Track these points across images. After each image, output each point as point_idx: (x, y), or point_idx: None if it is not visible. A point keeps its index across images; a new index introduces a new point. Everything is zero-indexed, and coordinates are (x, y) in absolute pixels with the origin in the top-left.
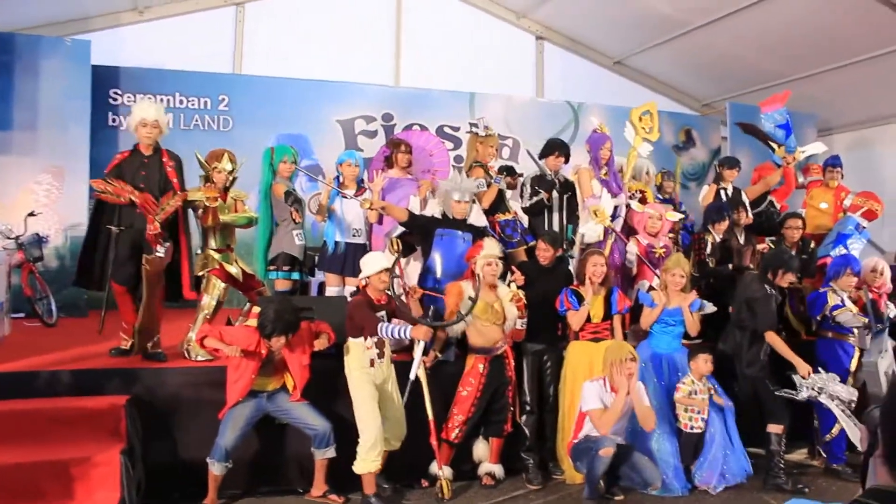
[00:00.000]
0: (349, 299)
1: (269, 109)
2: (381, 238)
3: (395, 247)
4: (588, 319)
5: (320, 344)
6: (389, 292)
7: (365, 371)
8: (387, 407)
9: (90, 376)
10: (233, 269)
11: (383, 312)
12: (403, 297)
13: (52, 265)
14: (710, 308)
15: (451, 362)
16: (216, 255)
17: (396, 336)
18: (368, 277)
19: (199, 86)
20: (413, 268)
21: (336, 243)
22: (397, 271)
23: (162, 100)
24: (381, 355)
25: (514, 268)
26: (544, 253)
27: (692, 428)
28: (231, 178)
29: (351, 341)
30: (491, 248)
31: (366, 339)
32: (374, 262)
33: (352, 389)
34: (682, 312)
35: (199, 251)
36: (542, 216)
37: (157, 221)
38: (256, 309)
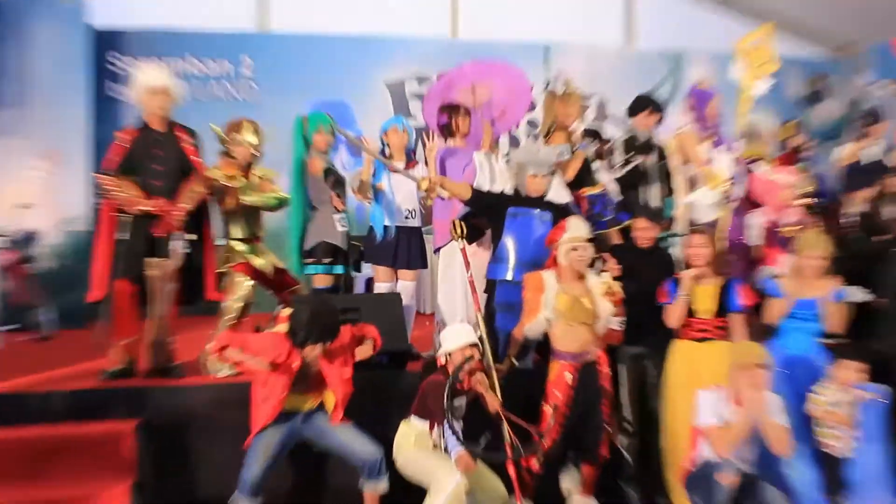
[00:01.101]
0: (399, 302)
1: (302, 73)
2: (444, 220)
3: (459, 230)
4: (692, 314)
5: (363, 352)
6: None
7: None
8: (474, 479)
9: (93, 397)
10: (260, 263)
11: (463, 400)
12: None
13: (48, 266)
14: (859, 296)
15: (530, 371)
16: (240, 247)
17: (449, 447)
18: (450, 354)
19: (218, 47)
20: (481, 258)
21: (385, 228)
22: (466, 278)
23: (173, 65)
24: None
25: (605, 254)
26: (643, 233)
27: (836, 450)
28: (255, 152)
29: (413, 419)
30: (577, 228)
31: (431, 429)
32: (456, 335)
33: (405, 464)
34: (821, 304)
35: (219, 243)
36: (638, 188)
37: (181, 213)
38: (287, 311)
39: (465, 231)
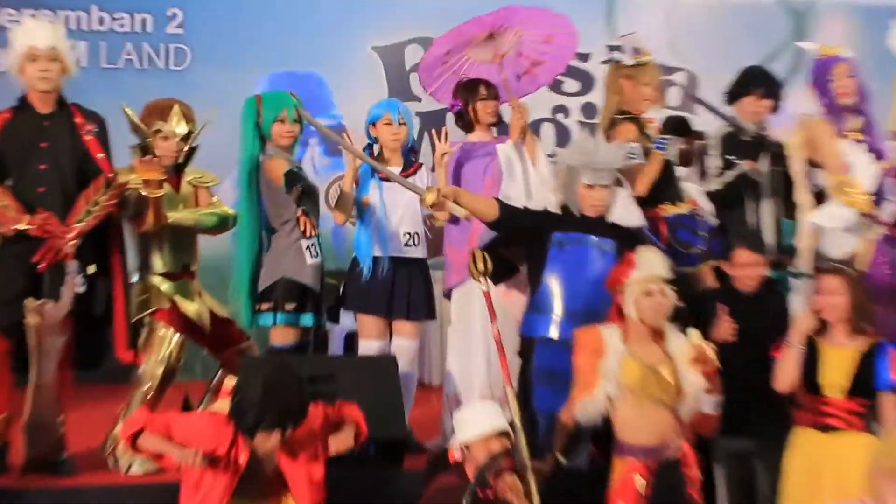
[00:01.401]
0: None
1: (255, 32)
2: (460, 250)
3: (480, 265)
4: (815, 389)
5: (341, 442)
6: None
7: None
8: None
9: None
10: (192, 309)
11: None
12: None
13: None
14: None
15: (584, 472)
16: (164, 285)
17: None
18: (468, 447)
19: None
20: (514, 304)
21: (375, 261)
22: (488, 323)
23: (69, 19)
24: None
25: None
26: (747, 270)
27: None
28: (186, 147)
29: None
30: (651, 264)
31: None
32: (477, 419)
33: None
34: None
35: (133, 279)
36: (743, 205)
37: (75, 235)
38: (232, 381)
39: (489, 266)
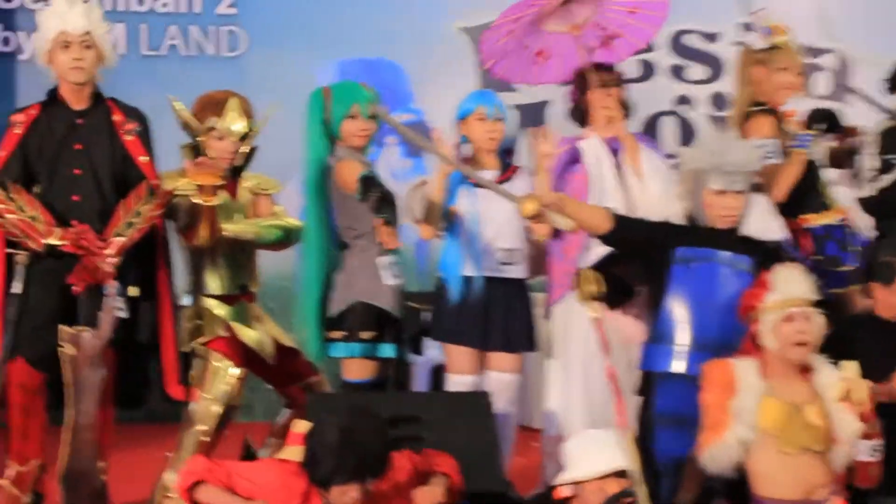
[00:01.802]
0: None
1: (320, 13)
2: (566, 268)
3: (594, 287)
4: None
5: (430, 499)
6: None
7: None
8: None
9: None
10: (253, 337)
11: None
12: None
13: None
14: None
15: None
16: (219, 309)
17: None
18: (580, 484)
19: None
20: (629, 331)
21: (466, 282)
22: (590, 353)
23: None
24: None
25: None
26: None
27: None
28: (245, 147)
29: None
30: (794, 285)
31: None
32: (593, 453)
33: None
34: None
35: (184, 302)
36: None
37: (115, 251)
38: (303, 425)
39: (602, 289)
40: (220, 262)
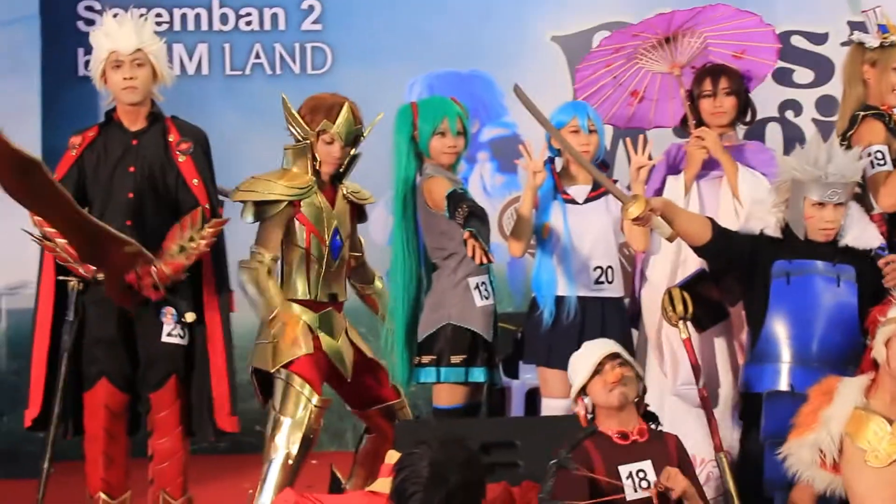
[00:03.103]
0: None
1: (406, 26)
2: (657, 283)
3: (681, 307)
4: None
5: None
6: None
7: None
8: None
9: None
10: (333, 347)
11: (636, 468)
12: None
13: None
14: None
15: None
16: (305, 315)
17: None
18: (587, 393)
19: None
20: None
21: (559, 302)
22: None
23: (187, 19)
24: None
25: None
26: None
27: None
28: (352, 153)
29: None
30: None
31: None
32: (581, 363)
33: None
34: None
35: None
36: None
37: (171, 272)
38: (394, 456)
39: (690, 308)
40: (313, 267)
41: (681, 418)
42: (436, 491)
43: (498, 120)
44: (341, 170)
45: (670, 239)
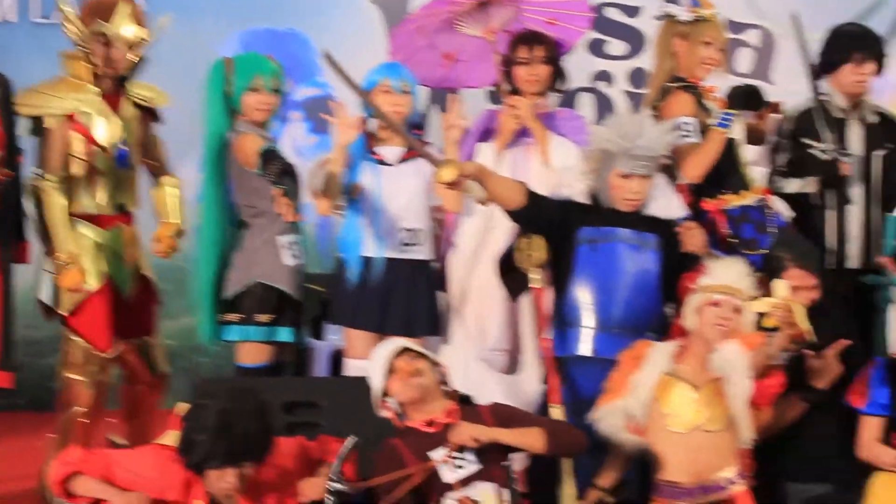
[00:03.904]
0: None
1: None
2: (465, 248)
3: (537, 254)
4: None
5: (318, 489)
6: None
7: None
8: None
9: None
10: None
11: (442, 452)
12: None
13: None
14: None
15: None
16: (91, 233)
17: None
18: (386, 392)
19: None
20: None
21: (367, 263)
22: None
23: None
24: None
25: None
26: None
27: None
28: (132, 57)
29: None
30: (725, 271)
31: None
32: (379, 354)
33: None
34: None
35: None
36: (832, 200)
37: None
38: (181, 408)
39: (545, 256)
40: (99, 178)
41: (485, 383)
42: (221, 440)
43: (312, 80)
44: (123, 74)
45: (483, 203)
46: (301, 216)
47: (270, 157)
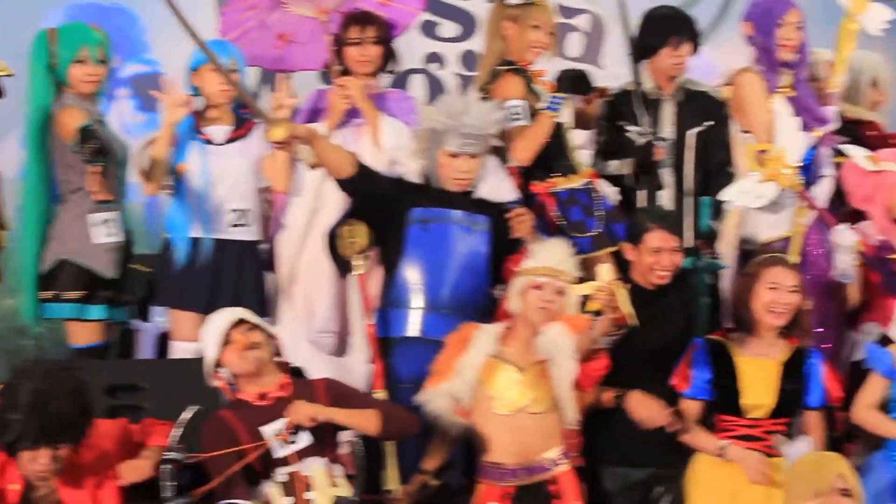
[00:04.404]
0: None
1: None
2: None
3: (360, 240)
4: (735, 411)
5: (139, 471)
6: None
7: None
8: None
9: None
10: None
11: (277, 427)
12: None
13: None
14: None
15: (454, 491)
16: None
17: None
18: (223, 363)
19: None
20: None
21: (194, 243)
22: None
23: None
24: None
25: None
26: (659, 257)
27: None
28: None
29: None
30: (548, 253)
31: None
32: (212, 332)
33: None
34: None
35: None
36: (646, 183)
37: None
38: None
39: (368, 242)
40: None
41: (313, 364)
42: (34, 419)
43: (140, 56)
44: None
45: (313, 167)
46: (112, 195)
47: (88, 135)
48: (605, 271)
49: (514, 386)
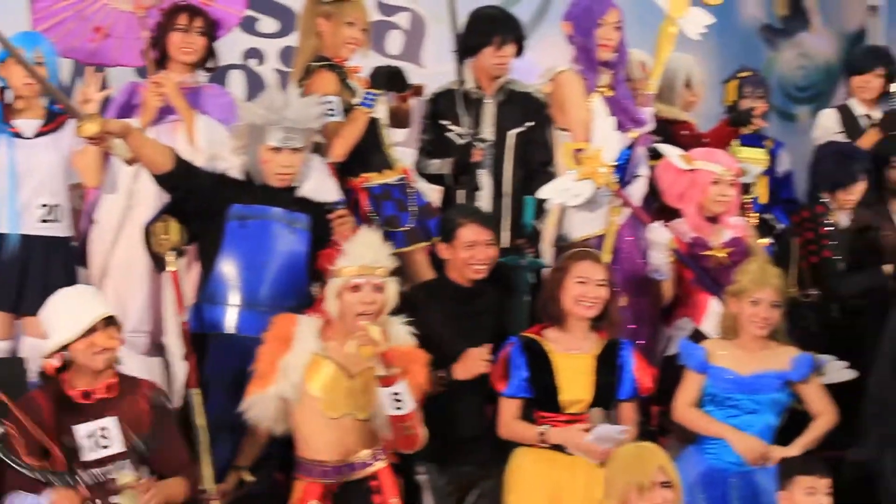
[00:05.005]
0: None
1: None
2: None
3: (174, 236)
4: (554, 406)
5: None
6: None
7: None
8: None
9: None
10: None
11: (96, 426)
12: None
13: None
14: (837, 374)
15: (265, 494)
16: None
17: None
18: (69, 349)
19: None
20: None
21: (0, 239)
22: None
23: None
24: None
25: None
26: (473, 253)
27: None
28: None
29: None
30: (365, 251)
31: None
32: (72, 316)
33: None
34: (776, 384)
35: None
36: (465, 183)
37: None
38: None
39: (182, 238)
40: None
41: (127, 365)
42: None
43: None
44: None
45: (129, 163)
46: None
47: None
48: (375, 332)
49: (342, 391)
